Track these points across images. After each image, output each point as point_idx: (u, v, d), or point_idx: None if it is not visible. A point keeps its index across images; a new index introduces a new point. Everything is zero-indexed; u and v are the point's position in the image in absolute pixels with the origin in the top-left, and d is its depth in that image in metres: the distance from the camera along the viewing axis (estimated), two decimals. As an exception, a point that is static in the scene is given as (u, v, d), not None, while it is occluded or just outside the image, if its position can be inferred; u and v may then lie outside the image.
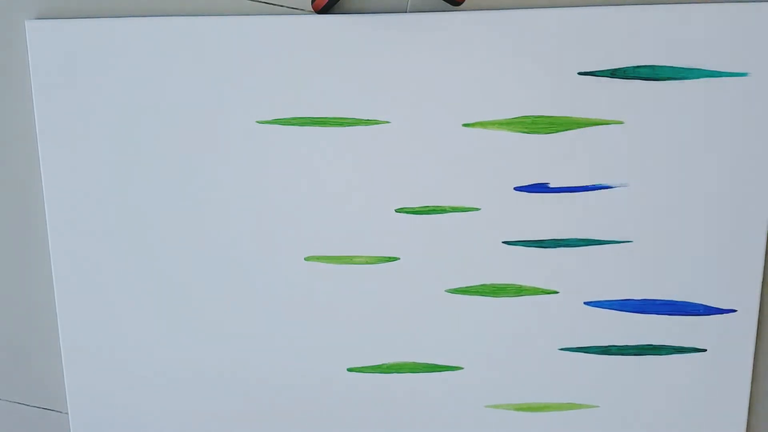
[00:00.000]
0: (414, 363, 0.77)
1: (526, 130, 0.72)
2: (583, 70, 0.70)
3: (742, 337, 0.74)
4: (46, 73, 0.73)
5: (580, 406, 0.77)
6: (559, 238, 0.74)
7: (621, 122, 0.71)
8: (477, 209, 0.74)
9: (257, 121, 0.73)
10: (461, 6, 0.70)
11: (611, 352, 0.76)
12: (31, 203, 0.77)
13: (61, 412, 0.82)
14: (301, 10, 0.72)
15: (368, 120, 0.72)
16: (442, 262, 0.75)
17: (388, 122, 0.72)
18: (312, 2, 0.70)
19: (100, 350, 0.78)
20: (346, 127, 0.73)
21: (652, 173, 0.72)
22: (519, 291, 0.75)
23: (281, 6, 0.72)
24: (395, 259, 0.75)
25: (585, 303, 0.75)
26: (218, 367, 0.78)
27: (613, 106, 0.71)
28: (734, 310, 0.74)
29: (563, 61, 0.70)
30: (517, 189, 0.73)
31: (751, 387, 0.76)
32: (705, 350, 0.75)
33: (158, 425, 0.80)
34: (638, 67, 0.70)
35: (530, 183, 0.73)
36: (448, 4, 0.69)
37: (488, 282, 0.75)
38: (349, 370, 0.78)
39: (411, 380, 0.78)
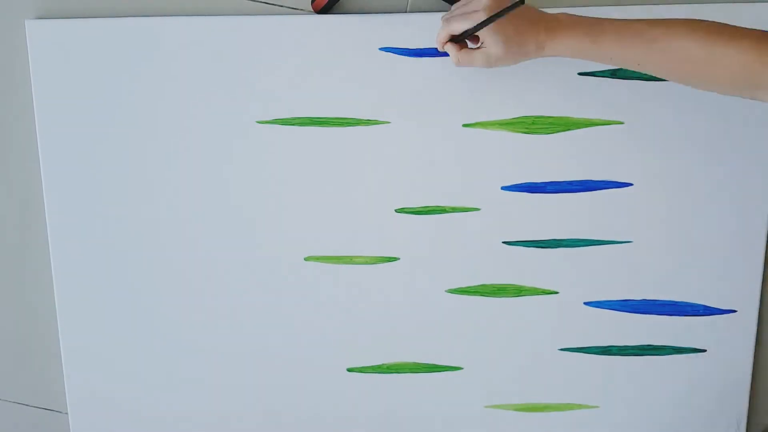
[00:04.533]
0: (414, 363, 0.77)
1: (526, 130, 0.72)
2: (583, 71, 0.70)
3: (742, 337, 0.74)
4: (46, 73, 0.73)
5: (580, 406, 0.77)
6: (559, 238, 0.74)
7: (621, 122, 0.71)
8: (477, 209, 0.74)
9: (257, 121, 0.73)
10: (461, 6, 0.70)
11: (611, 353, 0.76)
12: (31, 203, 0.77)
13: (61, 413, 0.82)
14: (301, 10, 0.72)
15: (368, 120, 0.72)
16: (442, 262, 0.75)
17: (388, 122, 0.72)
18: (312, 2, 0.70)
19: (100, 350, 0.78)
20: (346, 127, 0.73)
21: (653, 173, 0.72)
22: (519, 291, 0.75)
23: (281, 6, 0.72)
24: (395, 259, 0.75)
25: (585, 303, 0.75)
26: (218, 366, 0.78)
27: (613, 106, 0.71)
28: (734, 311, 0.74)
29: (563, 61, 0.70)
30: (517, 189, 0.73)
31: (751, 387, 0.76)
32: (705, 350, 0.75)
33: (158, 425, 0.80)
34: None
35: (530, 183, 0.73)
36: (448, 4, 0.69)
37: (488, 282, 0.75)
38: (349, 370, 0.78)
39: (411, 380, 0.78)
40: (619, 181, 0.72)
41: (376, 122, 0.72)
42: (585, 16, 0.60)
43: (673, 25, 0.57)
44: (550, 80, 0.70)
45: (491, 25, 0.59)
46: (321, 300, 0.76)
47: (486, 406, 0.78)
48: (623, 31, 0.58)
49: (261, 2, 0.71)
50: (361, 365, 0.78)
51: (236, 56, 0.71)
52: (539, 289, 0.75)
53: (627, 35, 0.58)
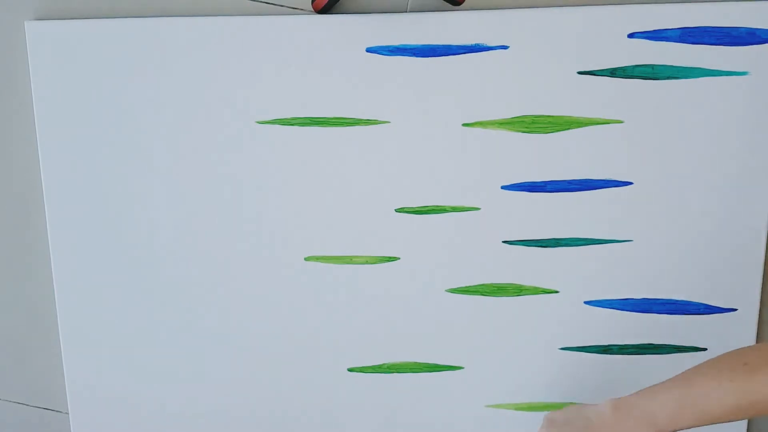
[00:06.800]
0: (414, 363, 0.77)
1: (525, 129, 0.72)
2: (582, 70, 0.70)
3: (742, 336, 0.74)
4: (45, 73, 0.73)
5: (580, 406, 0.77)
6: (559, 238, 0.74)
7: (621, 122, 0.71)
8: (477, 209, 0.74)
9: (257, 121, 0.73)
10: (461, 6, 0.70)
11: (611, 352, 0.76)
12: (31, 203, 0.77)
13: (61, 412, 0.82)
14: (301, 10, 0.72)
15: (368, 120, 0.72)
16: (442, 262, 0.75)
17: (388, 122, 0.72)
18: (312, 2, 0.71)
19: (101, 350, 0.78)
20: (346, 127, 0.73)
21: (652, 172, 0.72)
22: (519, 291, 0.75)
23: (281, 6, 0.72)
24: (395, 259, 0.75)
25: (585, 302, 0.75)
26: (218, 366, 0.78)
27: (612, 105, 0.71)
28: (734, 309, 0.74)
29: (563, 60, 0.70)
30: (517, 188, 0.73)
31: (752, 386, 0.76)
32: (705, 349, 0.75)
33: (159, 425, 0.80)
34: (638, 66, 0.70)
35: (530, 182, 0.73)
36: (448, 4, 0.69)
37: (488, 282, 0.75)
38: (350, 370, 0.78)
39: (411, 380, 0.78)
40: (619, 180, 0.72)
41: (375, 122, 0.72)
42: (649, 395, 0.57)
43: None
44: (549, 79, 0.70)
45: None
46: (321, 300, 0.76)
47: (486, 406, 0.78)
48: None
49: (261, 2, 0.72)
50: (361, 365, 0.78)
51: (236, 56, 0.72)
52: (539, 288, 0.75)
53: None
